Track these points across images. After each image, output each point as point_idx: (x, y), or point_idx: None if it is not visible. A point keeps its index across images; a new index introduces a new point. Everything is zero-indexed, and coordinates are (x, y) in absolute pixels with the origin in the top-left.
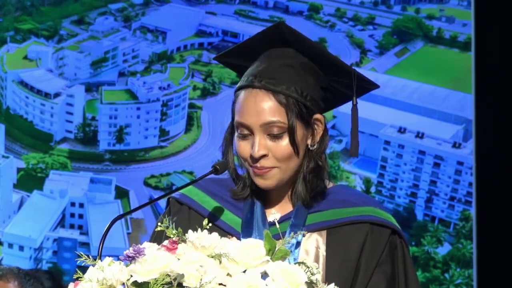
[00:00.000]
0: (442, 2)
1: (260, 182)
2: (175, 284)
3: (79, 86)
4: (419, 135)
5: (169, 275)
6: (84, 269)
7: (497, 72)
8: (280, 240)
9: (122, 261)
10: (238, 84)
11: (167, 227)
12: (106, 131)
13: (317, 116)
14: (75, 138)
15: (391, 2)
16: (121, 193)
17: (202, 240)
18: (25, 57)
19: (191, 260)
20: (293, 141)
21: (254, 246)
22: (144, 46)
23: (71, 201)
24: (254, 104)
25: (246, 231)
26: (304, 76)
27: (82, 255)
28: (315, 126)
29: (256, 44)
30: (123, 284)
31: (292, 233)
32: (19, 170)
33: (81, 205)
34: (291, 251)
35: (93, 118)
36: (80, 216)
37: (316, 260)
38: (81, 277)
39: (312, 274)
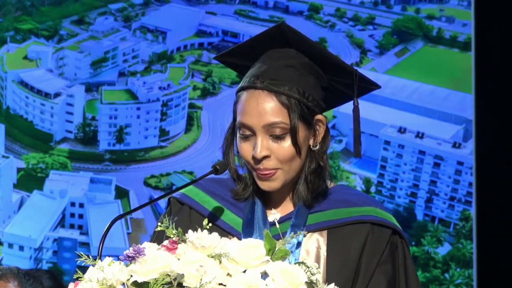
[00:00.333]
0: (442, 2)
1: (265, 185)
2: (175, 284)
3: (79, 86)
4: (419, 135)
5: (169, 275)
6: (84, 269)
7: (497, 72)
8: (280, 240)
9: (122, 261)
10: (240, 85)
11: (167, 227)
12: (106, 131)
13: (319, 116)
14: (75, 138)
15: (391, 2)
16: (121, 193)
17: (202, 240)
18: (25, 57)
19: (191, 260)
20: (295, 142)
21: (254, 246)
22: (144, 46)
23: (71, 201)
24: (257, 105)
25: (247, 231)
26: (305, 76)
27: (82, 255)
28: (317, 126)
29: (258, 44)
30: (123, 284)
31: (292, 233)
32: (19, 170)
33: (81, 205)
34: (291, 251)
35: (93, 118)
36: (80, 216)
37: (317, 260)
38: (81, 277)
39: (312, 274)
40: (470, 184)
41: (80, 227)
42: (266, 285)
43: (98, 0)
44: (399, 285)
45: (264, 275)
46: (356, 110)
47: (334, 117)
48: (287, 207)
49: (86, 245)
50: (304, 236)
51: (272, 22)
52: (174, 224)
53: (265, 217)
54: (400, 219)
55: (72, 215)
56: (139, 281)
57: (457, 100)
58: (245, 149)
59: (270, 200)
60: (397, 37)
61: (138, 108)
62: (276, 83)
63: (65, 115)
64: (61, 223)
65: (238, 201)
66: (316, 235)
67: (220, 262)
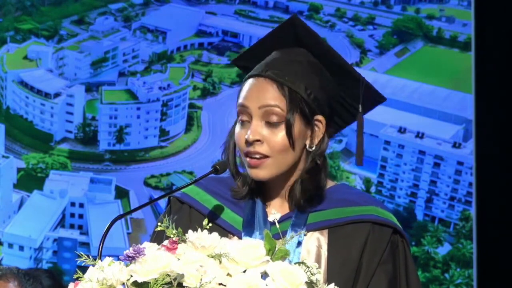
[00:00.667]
0: (442, 2)
1: (254, 172)
2: (175, 284)
3: (79, 86)
4: (419, 135)
5: (169, 275)
6: (84, 269)
7: (497, 72)
8: (280, 240)
9: (122, 261)
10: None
11: (167, 227)
12: (106, 131)
13: (319, 117)
14: (75, 138)
15: (391, 2)
16: (121, 193)
17: (202, 240)
18: (25, 57)
19: (191, 260)
20: (289, 133)
21: (254, 246)
22: (144, 46)
23: (71, 201)
24: (257, 88)
25: (247, 230)
26: (311, 74)
27: (82, 255)
28: (316, 127)
29: (270, 42)
30: (123, 284)
31: (292, 233)
32: (19, 170)
33: (81, 205)
34: (292, 251)
35: (93, 118)
36: (80, 216)
37: (318, 259)
38: (81, 277)
39: (312, 274)
40: (470, 184)
41: (80, 227)
42: (266, 285)
43: (98, 0)
44: (400, 284)
45: (264, 275)
46: (360, 117)
47: None
48: (287, 206)
49: (86, 245)
50: (305, 235)
51: (272, 22)
52: (174, 223)
53: (265, 216)
54: (400, 219)
55: (72, 215)
56: (139, 281)
57: (457, 100)
58: (240, 134)
59: (270, 199)
60: (397, 37)
61: (138, 108)
62: (281, 73)
63: (65, 115)
64: (61, 223)
65: (238, 200)
66: (316, 234)
67: (220, 262)
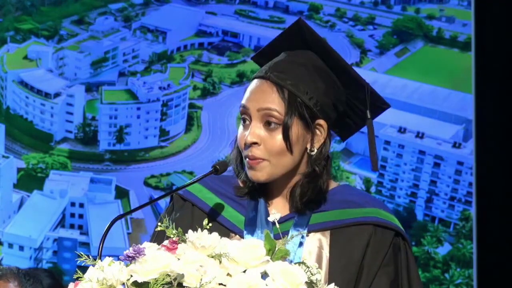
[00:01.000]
0: (442, 2)
1: (251, 173)
2: (175, 284)
3: (79, 86)
4: (419, 135)
5: (169, 275)
6: (84, 269)
7: (497, 72)
8: (281, 240)
9: (122, 261)
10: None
11: (167, 227)
12: (106, 131)
13: (320, 121)
14: (75, 138)
15: (391, 2)
16: (121, 193)
17: (202, 240)
18: (25, 57)
19: (191, 260)
20: (286, 137)
21: (254, 246)
22: (144, 46)
23: (71, 201)
24: (258, 90)
25: (249, 229)
26: (314, 78)
27: (82, 255)
28: (317, 131)
29: (279, 43)
30: (123, 284)
31: (292, 233)
32: (19, 170)
33: (81, 205)
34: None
35: (93, 118)
36: (80, 216)
37: (319, 260)
38: (81, 277)
39: (312, 274)
40: (470, 184)
41: (80, 227)
42: (266, 285)
43: (98, 0)
44: (402, 287)
45: (264, 275)
46: (369, 123)
47: None
48: (289, 206)
49: (86, 245)
50: (307, 236)
51: (272, 22)
52: (176, 220)
53: (268, 215)
54: (400, 219)
55: (72, 215)
56: (139, 281)
57: (457, 100)
58: (241, 135)
59: (273, 198)
60: (397, 37)
61: (138, 108)
62: (282, 76)
63: (65, 115)
64: (61, 223)
65: (241, 199)
66: (318, 235)
67: (220, 262)
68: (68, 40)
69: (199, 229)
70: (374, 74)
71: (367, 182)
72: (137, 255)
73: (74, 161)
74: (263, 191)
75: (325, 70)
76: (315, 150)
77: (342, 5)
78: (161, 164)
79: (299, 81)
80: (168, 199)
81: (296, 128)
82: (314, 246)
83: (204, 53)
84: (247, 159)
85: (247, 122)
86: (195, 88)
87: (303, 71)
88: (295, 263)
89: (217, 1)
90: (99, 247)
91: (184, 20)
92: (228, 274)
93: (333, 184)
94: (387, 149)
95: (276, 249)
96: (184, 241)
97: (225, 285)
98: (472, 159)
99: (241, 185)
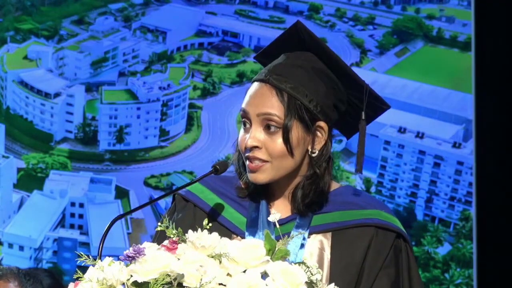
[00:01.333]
0: (442, 2)
1: (253, 176)
2: (175, 284)
3: (79, 86)
4: (419, 135)
5: (169, 275)
6: (84, 269)
7: (497, 72)
8: (281, 240)
9: (122, 261)
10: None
11: (167, 227)
12: (106, 131)
13: (321, 123)
14: (75, 138)
15: (391, 2)
16: (121, 193)
17: (202, 240)
18: (25, 57)
19: (191, 260)
20: (287, 140)
21: (254, 246)
22: (144, 46)
23: (71, 201)
24: (257, 95)
25: (251, 231)
26: (314, 81)
27: (82, 255)
28: (318, 133)
29: (279, 46)
30: (123, 284)
31: (292, 234)
32: (19, 170)
33: (81, 205)
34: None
35: (93, 118)
36: (80, 216)
37: (320, 262)
38: (81, 277)
39: (312, 274)
40: (470, 184)
41: (80, 227)
42: (266, 285)
43: (98, 0)
44: None
45: (264, 275)
46: (362, 124)
47: None
48: (291, 208)
49: (86, 245)
50: (309, 237)
51: (272, 22)
52: (178, 221)
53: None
54: (400, 219)
55: (72, 215)
56: (139, 281)
57: (457, 100)
58: (242, 138)
59: (274, 199)
60: (397, 37)
61: (138, 108)
62: (281, 79)
63: (65, 115)
64: (61, 223)
65: (242, 200)
66: (320, 237)
67: (220, 262)
68: (68, 40)
69: (199, 229)
70: (374, 74)
71: (367, 182)
72: (137, 255)
73: (74, 161)
74: (264, 193)
75: (325, 72)
76: (316, 152)
77: (342, 5)
78: (161, 164)
79: (298, 83)
80: (168, 199)
81: (296, 131)
82: (315, 248)
83: (204, 53)
84: (248, 162)
85: (248, 126)
86: (195, 88)
87: (302, 74)
88: (295, 263)
89: (217, 1)
90: (99, 247)
91: (184, 20)
92: (228, 274)
93: (334, 185)
94: (387, 149)
95: (276, 249)
96: (184, 241)
97: (225, 285)
98: (472, 159)
99: (242, 186)
